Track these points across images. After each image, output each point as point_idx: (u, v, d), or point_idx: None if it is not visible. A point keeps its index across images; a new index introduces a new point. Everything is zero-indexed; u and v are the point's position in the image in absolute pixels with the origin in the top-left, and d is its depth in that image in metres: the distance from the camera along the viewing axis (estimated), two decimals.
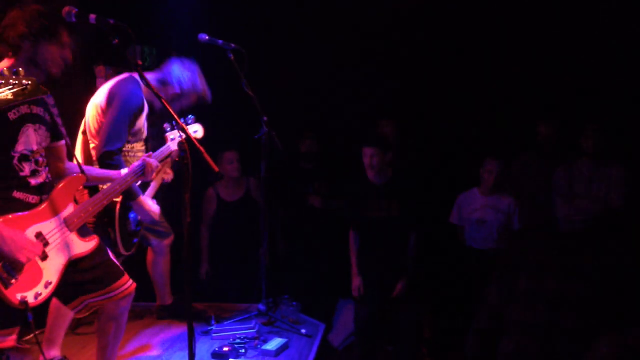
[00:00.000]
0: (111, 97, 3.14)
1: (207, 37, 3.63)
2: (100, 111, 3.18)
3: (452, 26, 5.03)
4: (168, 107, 2.38)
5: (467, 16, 5.00)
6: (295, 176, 5.14)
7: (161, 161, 3.38)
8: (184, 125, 2.35)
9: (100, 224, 3.19)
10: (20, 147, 2.30)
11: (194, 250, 4.89)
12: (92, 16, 2.55)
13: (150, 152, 2.92)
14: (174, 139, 3.27)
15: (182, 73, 3.44)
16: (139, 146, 3.33)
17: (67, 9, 2.53)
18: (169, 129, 3.32)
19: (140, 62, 2.84)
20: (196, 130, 3.46)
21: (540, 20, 4.84)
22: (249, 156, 4.89)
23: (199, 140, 2.59)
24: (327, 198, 5.05)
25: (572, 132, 4.45)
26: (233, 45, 3.68)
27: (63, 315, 2.92)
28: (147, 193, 3.43)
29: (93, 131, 3.21)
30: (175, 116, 2.37)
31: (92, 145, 3.22)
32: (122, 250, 3.23)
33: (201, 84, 3.52)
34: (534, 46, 4.88)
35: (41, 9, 2.35)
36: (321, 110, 5.21)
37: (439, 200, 4.70)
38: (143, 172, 2.77)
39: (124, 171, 2.79)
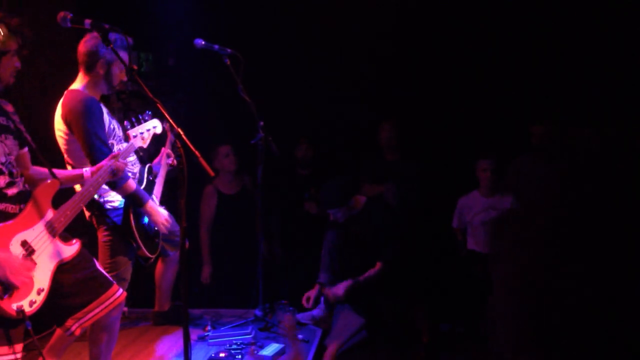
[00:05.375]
0: (68, 116, 3.05)
1: (203, 42, 3.63)
2: (64, 135, 3.11)
3: (446, 29, 5.05)
4: (163, 110, 2.38)
5: (461, 18, 5.01)
6: (291, 182, 5.14)
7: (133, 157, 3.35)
8: (176, 127, 2.34)
9: (120, 237, 3.21)
10: None
11: (195, 253, 4.87)
12: (87, 21, 2.55)
13: (118, 151, 2.85)
14: (135, 135, 3.22)
15: (89, 46, 3.14)
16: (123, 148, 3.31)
17: (61, 14, 2.54)
18: (129, 127, 3.26)
19: (135, 67, 2.81)
20: (155, 126, 3.37)
21: (535, 22, 4.86)
22: (244, 160, 4.91)
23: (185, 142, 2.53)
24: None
25: (567, 132, 4.46)
26: (229, 50, 3.68)
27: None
28: (155, 190, 3.44)
29: (66, 156, 3.16)
30: (168, 117, 2.36)
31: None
32: (147, 253, 3.27)
33: (113, 36, 3.08)
34: (529, 46, 4.89)
35: None
36: (316, 116, 5.22)
37: (438, 204, 4.71)
38: (112, 172, 2.70)
39: (86, 169, 2.74)
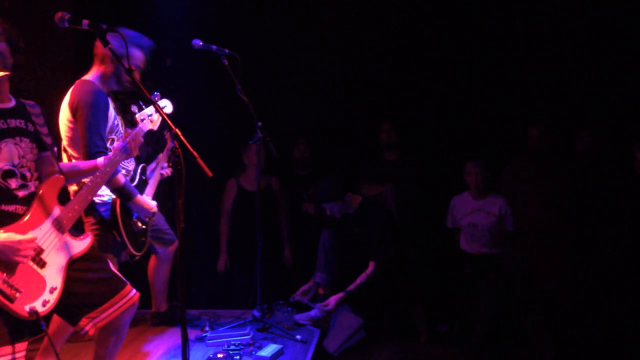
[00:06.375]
0: (74, 104, 3.06)
1: (201, 43, 3.62)
2: (69, 123, 3.11)
3: (446, 30, 5.04)
4: (159, 110, 2.37)
5: (460, 20, 5.01)
6: (289, 182, 5.13)
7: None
8: (174, 127, 2.32)
9: (104, 228, 3.19)
10: (0, 164, 2.28)
11: (213, 243, 4.99)
12: (85, 21, 2.54)
13: (130, 131, 2.81)
14: (143, 119, 3.15)
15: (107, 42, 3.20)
16: None
17: (59, 14, 2.52)
18: (137, 111, 3.23)
19: (133, 68, 2.80)
20: (165, 105, 3.35)
21: (534, 24, 4.85)
22: (242, 161, 4.91)
23: (185, 136, 2.48)
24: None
25: (565, 135, 4.46)
26: (227, 50, 3.67)
27: (64, 329, 2.90)
28: (146, 191, 3.43)
29: (67, 144, 3.17)
30: (166, 117, 2.35)
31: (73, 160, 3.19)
32: (132, 251, 3.24)
33: (130, 33, 3.18)
34: (527, 49, 4.89)
35: None
36: (316, 116, 5.22)
37: (437, 204, 4.70)
38: (125, 152, 2.66)
39: (100, 160, 2.68)
